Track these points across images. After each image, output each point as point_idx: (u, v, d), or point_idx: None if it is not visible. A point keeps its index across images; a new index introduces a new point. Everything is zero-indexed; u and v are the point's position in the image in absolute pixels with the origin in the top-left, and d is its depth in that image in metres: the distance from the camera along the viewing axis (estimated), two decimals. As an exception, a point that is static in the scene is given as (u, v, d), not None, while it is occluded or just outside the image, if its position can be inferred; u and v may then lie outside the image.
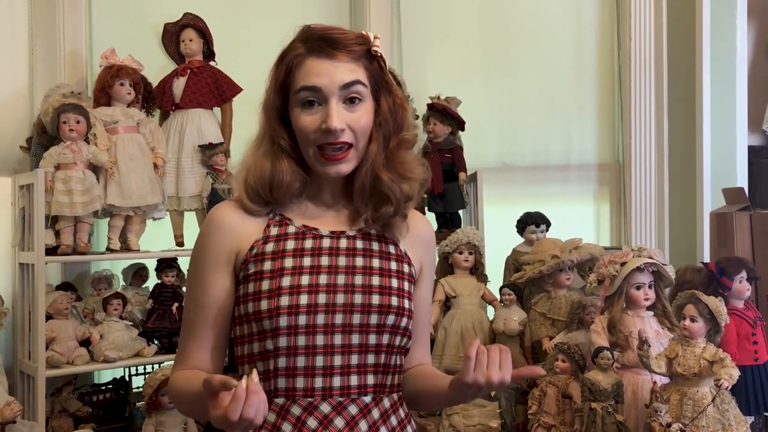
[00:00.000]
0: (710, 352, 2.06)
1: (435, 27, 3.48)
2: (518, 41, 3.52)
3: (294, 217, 1.27)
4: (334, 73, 1.19)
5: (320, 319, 1.18)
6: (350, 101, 1.21)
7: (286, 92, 1.23)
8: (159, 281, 2.76)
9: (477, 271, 2.83)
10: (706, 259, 3.16)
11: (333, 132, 1.18)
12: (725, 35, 3.42)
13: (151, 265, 2.85)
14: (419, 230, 1.34)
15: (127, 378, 2.76)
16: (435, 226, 3.05)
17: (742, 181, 3.39)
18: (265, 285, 1.20)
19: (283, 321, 1.17)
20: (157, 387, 2.30)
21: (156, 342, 2.70)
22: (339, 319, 1.19)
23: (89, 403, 2.64)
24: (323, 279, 1.21)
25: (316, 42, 1.21)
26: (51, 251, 2.48)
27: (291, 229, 1.25)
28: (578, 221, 3.47)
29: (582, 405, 2.18)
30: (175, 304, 2.71)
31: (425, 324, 1.37)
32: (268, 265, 1.21)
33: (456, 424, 2.50)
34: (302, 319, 1.17)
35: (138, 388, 2.72)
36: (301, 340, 1.18)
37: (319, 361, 1.18)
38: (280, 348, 1.18)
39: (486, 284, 2.84)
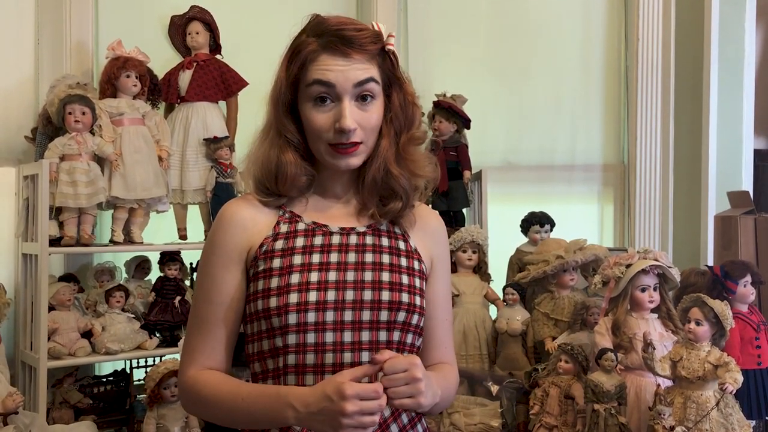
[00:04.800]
0: (715, 356, 2.05)
1: (442, 24, 3.47)
2: (525, 40, 3.51)
3: (303, 214, 1.27)
4: (349, 70, 1.19)
5: (329, 316, 1.18)
6: (362, 98, 1.20)
7: (297, 86, 1.23)
8: (162, 274, 2.75)
9: (480, 269, 2.82)
10: (710, 262, 3.16)
11: (346, 132, 1.18)
12: (733, 38, 3.41)
13: (154, 258, 2.84)
14: (428, 223, 1.33)
15: (128, 370, 2.76)
16: (439, 224, 3.03)
17: (747, 184, 3.39)
18: (274, 282, 1.19)
19: (292, 318, 1.17)
20: (159, 380, 2.29)
21: (158, 335, 2.70)
22: (348, 316, 1.18)
23: (90, 394, 2.63)
24: (332, 276, 1.20)
25: (331, 38, 1.19)
26: (54, 242, 2.48)
27: (301, 226, 1.25)
28: (582, 222, 3.47)
29: (585, 406, 2.18)
30: (178, 298, 2.71)
31: (443, 321, 1.33)
32: (277, 263, 1.21)
33: (457, 423, 2.49)
34: (311, 317, 1.17)
35: (139, 380, 2.71)
36: (311, 338, 1.17)
37: (329, 358, 1.17)
38: (289, 345, 1.17)
39: (489, 283, 2.83)
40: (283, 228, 1.24)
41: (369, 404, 1.06)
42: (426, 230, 1.32)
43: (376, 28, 1.23)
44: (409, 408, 1.13)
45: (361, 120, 1.20)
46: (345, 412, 1.05)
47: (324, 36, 1.20)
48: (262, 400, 1.14)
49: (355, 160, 1.22)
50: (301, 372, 1.18)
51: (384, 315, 1.20)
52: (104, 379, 2.73)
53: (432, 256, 1.32)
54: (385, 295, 1.20)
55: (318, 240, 1.24)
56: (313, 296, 1.18)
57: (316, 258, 1.21)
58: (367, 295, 1.20)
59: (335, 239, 1.24)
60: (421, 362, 1.12)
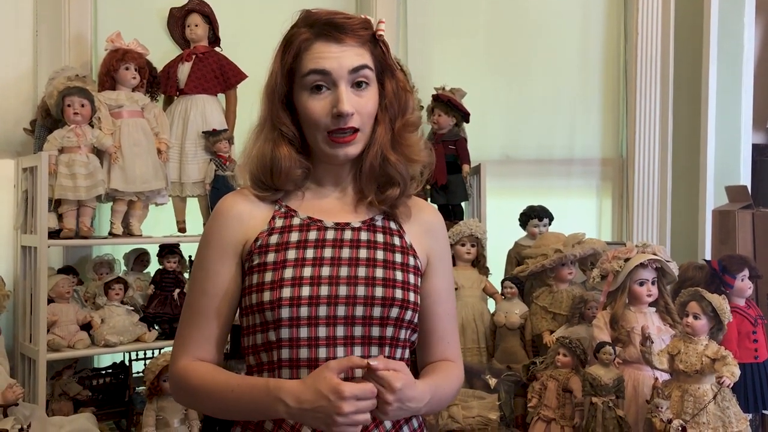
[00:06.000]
0: (712, 350, 2.06)
1: (441, 18, 3.46)
2: (525, 34, 3.51)
3: (299, 208, 1.27)
4: (343, 57, 1.20)
5: (322, 311, 1.18)
6: (357, 85, 1.22)
7: (292, 77, 1.23)
8: (161, 267, 2.75)
9: (479, 263, 2.83)
10: (707, 256, 3.16)
11: (344, 116, 1.19)
12: (732, 33, 3.41)
13: (153, 250, 2.85)
14: (424, 218, 1.33)
15: (127, 363, 2.76)
16: (437, 217, 3.04)
17: (745, 179, 3.39)
18: (268, 276, 1.20)
19: (285, 312, 1.17)
20: (159, 372, 2.29)
21: (157, 327, 2.70)
22: (341, 311, 1.19)
23: (89, 387, 2.64)
24: (326, 271, 1.21)
25: (323, 27, 1.21)
26: (53, 234, 2.48)
27: (296, 221, 1.26)
28: (580, 216, 3.47)
29: (582, 399, 2.19)
30: (177, 290, 2.71)
31: (444, 316, 1.33)
32: (271, 257, 1.22)
33: (455, 416, 2.50)
34: (304, 311, 1.18)
35: (138, 372, 2.72)
36: (303, 332, 1.18)
37: (322, 353, 1.18)
38: (282, 339, 1.18)
39: (487, 277, 2.84)
40: (279, 222, 1.25)
41: (364, 404, 1.08)
42: (422, 225, 1.32)
43: (363, 17, 1.25)
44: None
45: (358, 106, 1.21)
46: (341, 412, 1.06)
47: (315, 25, 1.21)
48: (252, 393, 1.15)
49: (353, 149, 1.23)
50: (295, 366, 1.18)
51: (377, 311, 1.20)
52: (103, 372, 2.73)
53: (428, 251, 1.31)
54: (379, 291, 1.21)
55: (312, 235, 1.24)
56: (306, 291, 1.18)
57: (309, 253, 1.22)
58: (361, 290, 1.20)
59: (330, 234, 1.25)
60: (405, 384, 1.11)
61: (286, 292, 1.18)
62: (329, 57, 1.19)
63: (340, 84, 1.20)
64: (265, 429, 1.21)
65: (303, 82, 1.21)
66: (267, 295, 1.19)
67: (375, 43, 1.25)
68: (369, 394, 1.08)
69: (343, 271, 1.21)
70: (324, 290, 1.19)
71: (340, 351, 1.18)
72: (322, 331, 1.18)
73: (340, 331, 1.18)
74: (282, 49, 1.24)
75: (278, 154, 1.24)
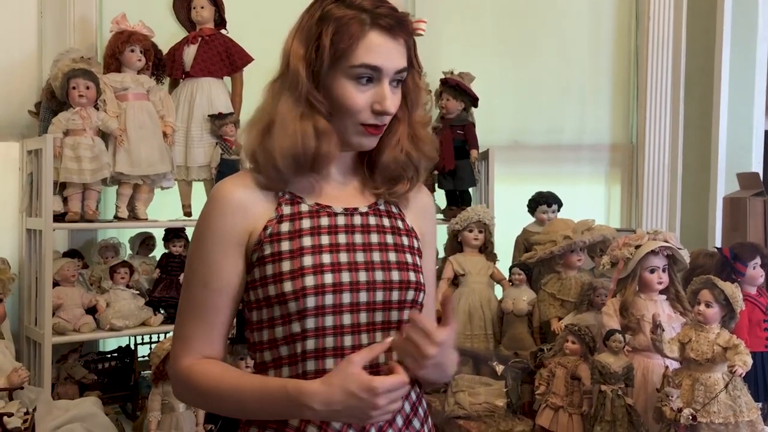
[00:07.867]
0: (724, 338, 2.04)
1: (450, 2, 3.42)
2: (534, 18, 3.47)
3: (304, 195, 1.23)
4: (395, 56, 1.17)
5: (346, 297, 1.17)
6: (395, 83, 1.20)
7: (333, 58, 1.15)
8: (166, 251, 2.74)
9: (486, 249, 2.81)
10: (718, 243, 3.14)
11: (388, 114, 1.18)
12: (746, 17, 3.37)
13: (159, 234, 2.83)
14: (421, 199, 1.33)
15: (132, 347, 2.76)
16: (445, 203, 3.03)
17: (757, 166, 3.36)
18: (286, 266, 1.16)
19: (311, 302, 1.14)
20: (164, 357, 2.27)
21: (162, 311, 2.69)
22: (363, 297, 1.18)
23: (95, 370, 2.64)
24: (344, 257, 1.19)
25: (379, 14, 1.15)
26: (58, 218, 2.46)
27: (304, 208, 1.21)
28: (589, 202, 3.45)
29: (591, 387, 2.17)
30: (182, 274, 2.69)
31: (429, 299, 1.33)
32: (286, 245, 1.17)
33: (461, 402, 2.49)
34: (329, 299, 1.15)
35: (143, 356, 2.71)
36: (329, 321, 1.16)
37: (348, 340, 1.16)
38: (307, 330, 1.15)
39: (495, 263, 2.82)
40: (286, 210, 1.20)
41: (397, 393, 1.09)
42: (418, 207, 1.32)
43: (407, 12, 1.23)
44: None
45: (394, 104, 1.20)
46: (377, 408, 1.06)
47: (368, 12, 1.15)
48: (271, 398, 1.12)
49: (375, 141, 1.22)
50: (320, 356, 1.16)
51: (395, 295, 1.20)
52: (109, 355, 2.74)
53: (423, 232, 1.32)
54: (395, 275, 1.20)
55: (324, 221, 1.21)
56: (329, 278, 1.16)
57: (325, 239, 1.19)
58: (379, 275, 1.19)
59: (340, 220, 1.22)
60: (445, 340, 1.13)
61: (309, 281, 1.15)
62: (383, 53, 1.16)
63: (385, 82, 1.17)
64: (291, 425, 1.17)
65: (350, 71, 1.15)
66: (288, 286, 1.15)
67: (410, 39, 1.22)
68: (400, 385, 1.09)
69: (360, 257, 1.20)
70: (345, 276, 1.17)
71: (363, 338, 1.17)
72: (346, 319, 1.16)
73: (363, 317, 1.18)
74: (333, 29, 1.14)
75: (326, 137, 1.17)
